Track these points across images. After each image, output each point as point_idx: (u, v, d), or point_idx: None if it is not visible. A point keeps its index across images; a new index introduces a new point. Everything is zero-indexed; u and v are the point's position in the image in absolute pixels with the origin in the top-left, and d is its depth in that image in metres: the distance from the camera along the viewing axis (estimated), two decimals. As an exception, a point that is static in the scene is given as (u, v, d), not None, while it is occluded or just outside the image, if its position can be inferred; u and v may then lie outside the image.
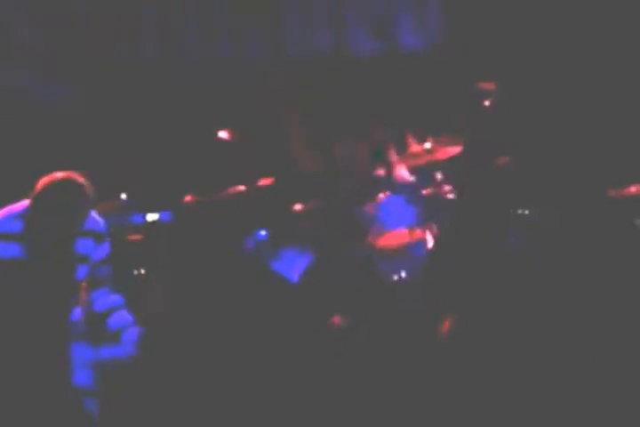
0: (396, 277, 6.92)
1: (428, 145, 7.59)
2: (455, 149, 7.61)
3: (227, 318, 6.35)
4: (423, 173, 7.61)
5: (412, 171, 7.68)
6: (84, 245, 5.31)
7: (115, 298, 5.45)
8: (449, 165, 7.61)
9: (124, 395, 5.32)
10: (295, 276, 7.13)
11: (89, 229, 5.32)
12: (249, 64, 8.72)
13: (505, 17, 8.76)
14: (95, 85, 8.33)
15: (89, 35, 8.48)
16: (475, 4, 8.95)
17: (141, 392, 5.42)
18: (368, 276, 6.99)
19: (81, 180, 5.16)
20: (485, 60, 8.63)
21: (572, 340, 5.53)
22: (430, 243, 7.01)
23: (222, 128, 7.86)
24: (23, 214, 5.13)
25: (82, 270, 5.32)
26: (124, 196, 7.61)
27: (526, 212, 6.67)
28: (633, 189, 6.95)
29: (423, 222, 7.15)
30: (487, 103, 7.83)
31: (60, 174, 5.15)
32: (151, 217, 7.84)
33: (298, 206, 7.54)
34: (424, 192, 7.46)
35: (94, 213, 5.35)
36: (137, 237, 7.44)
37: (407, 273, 6.85)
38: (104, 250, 5.45)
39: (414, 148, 7.67)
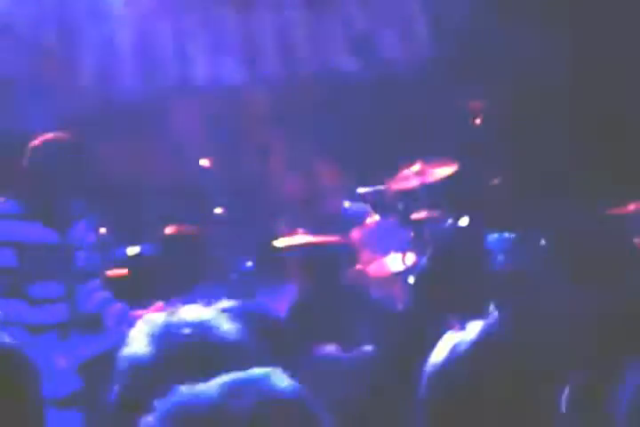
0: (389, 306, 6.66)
1: (417, 167, 7.36)
2: (447, 171, 7.40)
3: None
4: (414, 196, 7.40)
5: (403, 194, 7.46)
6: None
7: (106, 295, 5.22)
8: (441, 188, 7.42)
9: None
10: (282, 308, 6.88)
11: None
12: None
13: (495, 31, 8.59)
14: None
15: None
16: (464, 19, 8.78)
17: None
18: (361, 305, 6.74)
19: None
20: (475, 77, 8.46)
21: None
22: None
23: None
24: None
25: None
26: (103, 230, 7.41)
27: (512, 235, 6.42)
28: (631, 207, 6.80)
29: (414, 247, 6.89)
30: (478, 122, 7.68)
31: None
32: (132, 251, 7.70)
33: (284, 235, 7.30)
34: (415, 216, 7.23)
35: None
36: (120, 272, 7.27)
37: (401, 301, 6.58)
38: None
39: (404, 170, 7.46)
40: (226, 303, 2.88)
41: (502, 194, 7.34)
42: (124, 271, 7.32)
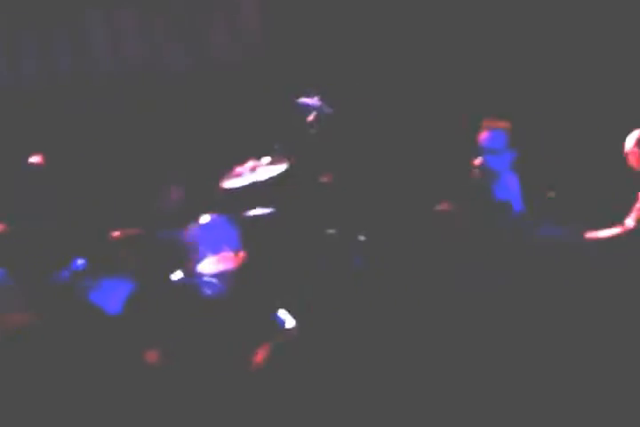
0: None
1: (250, 165, 7.44)
2: (279, 168, 7.48)
3: (44, 349, 6.09)
4: (247, 193, 7.47)
5: (236, 191, 7.51)
6: None
7: None
8: (274, 185, 7.50)
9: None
10: (114, 306, 6.85)
11: None
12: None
13: (326, 26, 8.72)
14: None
15: None
16: (293, 14, 8.88)
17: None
18: (191, 302, 6.77)
19: None
20: (307, 71, 8.56)
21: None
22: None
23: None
24: None
25: None
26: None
27: (362, 238, 6.58)
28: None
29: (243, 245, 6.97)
30: (311, 119, 7.77)
31: None
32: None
33: (116, 234, 7.27)
34: (246, 214, 7.30)
35: None
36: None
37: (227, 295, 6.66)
38: None
39: (237, 168, 7.53)
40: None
41: (332, 192, 7.48)
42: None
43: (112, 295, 7.01)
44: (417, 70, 8.52)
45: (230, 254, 6.97)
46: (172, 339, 6.36)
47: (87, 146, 8.61)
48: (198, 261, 7.07)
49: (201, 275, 6.99)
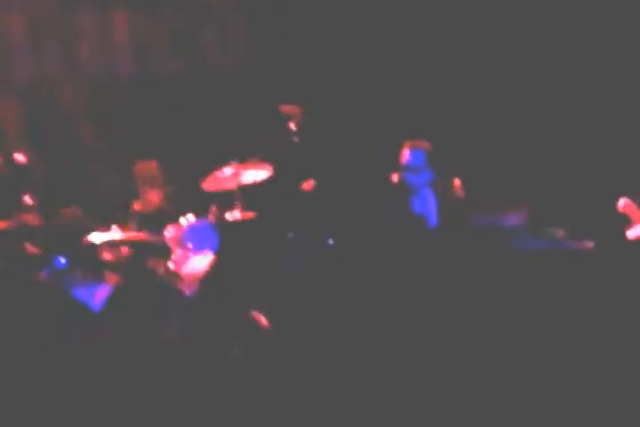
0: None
1: (231, 169, 7.52)
2: (263, 173, 7.57)
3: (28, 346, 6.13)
4: (228, 197, 7.55)
5: (217, 195, 7.59)
6: None
7: None
8: (256, 189, 7.58)
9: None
10: (97, 304, 6.92)
11: None
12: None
13: (313, 35, 8.80)
14: None
15: None
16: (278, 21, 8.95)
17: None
18: (173, 301, 6.85)
19: None
20: (291, 79, 8.65)
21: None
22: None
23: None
24: None
25: None
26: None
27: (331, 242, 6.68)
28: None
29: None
30: (292, 126, 7.84)
31: None
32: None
33: (98, 232, 7.35)
34: (229, 217, 7.39)
35: None
36: None
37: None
38: None
39: (219, 171, 7.60)
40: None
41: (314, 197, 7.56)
42: None
43: (94, 293, 7.07)
44: (410, 78, 8.61)
45: (210, 255, 7.07)
46: (153, 335, 6.43)
47: (70, 145, 8.66)
48: (179, 261, 7.17)
49: (181, 275, 7.09)
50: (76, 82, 8.61)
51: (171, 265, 7.17)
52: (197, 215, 7.45)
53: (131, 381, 5.89)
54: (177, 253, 7.21)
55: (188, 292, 6.98)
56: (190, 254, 7.20)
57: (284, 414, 5.37)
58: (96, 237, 7.30)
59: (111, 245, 7.30)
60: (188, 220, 7.35)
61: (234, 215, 7.42)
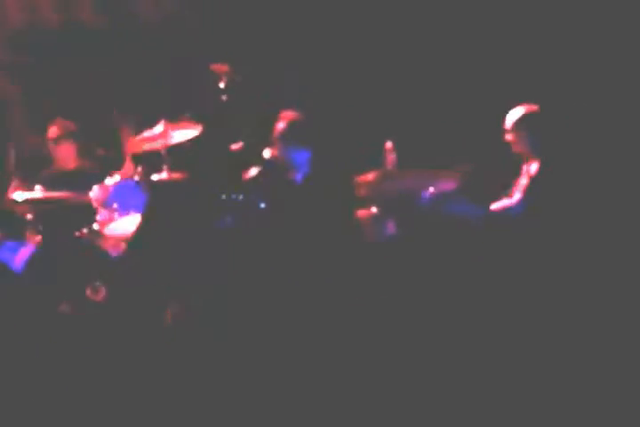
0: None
1: (160, 128, 7.38)
2: (192, 133, 7.44)
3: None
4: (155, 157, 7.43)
5: (146, 155, 7.47)
6: None
7: None
8: (185, 149, 7.47)
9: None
10: (18, 264, 6.82)
11: None
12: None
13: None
14: None
15: None
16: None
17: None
18: (92, 262, 6.74)
19: None
20: (224, 35, 8.50)
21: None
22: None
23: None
24: None
25: None
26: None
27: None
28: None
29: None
30: (222, 85, 7.71)
31: None
32: None
33: (18, 192, 7.22)
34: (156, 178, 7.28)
35: None
36: None
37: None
38: None
39: (147, 131, 7.47)
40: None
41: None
42: None
43: (16, 253, 6.98)
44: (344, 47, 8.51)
45: (136, 216, 6.97)
46: (76, 298, 6.37)
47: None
48: (104, 221, 7.08)
49: (106, 235, 7.00)
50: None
51: (95, 226, 7.09)
52: (123, 175, 7.36)
53: (62, 343, 5.83)
54: (102, 213, 7.12)
55: (113, 253, 6.91)
56: (116, 215, 7.11)
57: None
58: (18, 196, 7.18)
59: (34, 204, 7.18)
60: (113, 180, 7.25)
61: (161, 176, 7.29)
